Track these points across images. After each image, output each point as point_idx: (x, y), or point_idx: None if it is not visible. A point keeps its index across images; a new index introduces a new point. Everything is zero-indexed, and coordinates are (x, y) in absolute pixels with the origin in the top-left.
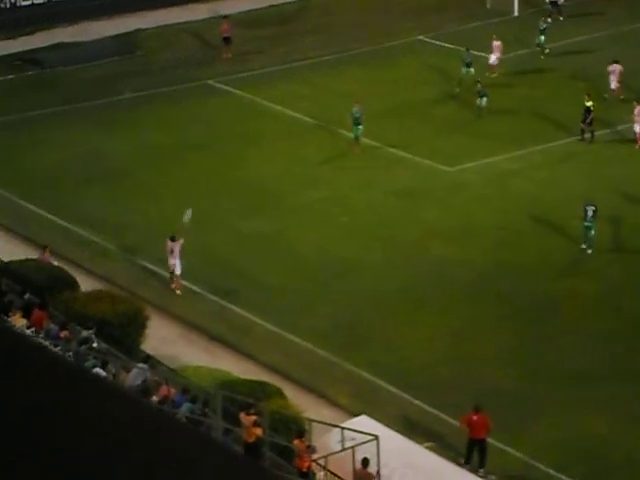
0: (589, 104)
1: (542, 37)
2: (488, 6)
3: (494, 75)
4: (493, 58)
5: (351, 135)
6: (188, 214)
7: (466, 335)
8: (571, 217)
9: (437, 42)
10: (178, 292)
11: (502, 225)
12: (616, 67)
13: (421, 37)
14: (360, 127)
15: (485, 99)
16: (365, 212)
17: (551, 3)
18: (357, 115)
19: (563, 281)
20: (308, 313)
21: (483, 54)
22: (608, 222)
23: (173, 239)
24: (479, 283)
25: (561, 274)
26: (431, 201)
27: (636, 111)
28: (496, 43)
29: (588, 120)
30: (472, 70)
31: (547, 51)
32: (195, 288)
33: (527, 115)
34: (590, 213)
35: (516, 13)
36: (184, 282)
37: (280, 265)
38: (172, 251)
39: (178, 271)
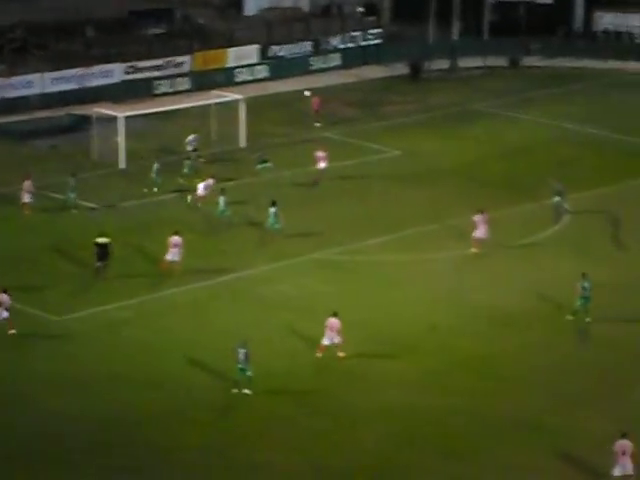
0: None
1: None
2: (95, 158)
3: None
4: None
5: None
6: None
7: None
8: (182, 363)
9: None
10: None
11: (114, 374)
12: None
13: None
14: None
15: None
16: None
17: (193, 151)
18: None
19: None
20: None
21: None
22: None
23: None
24: (97, 435)
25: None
26: (40, 351)
27: None
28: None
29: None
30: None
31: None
32: None
33: (141, 263)
34: (242, 356)
35: (123, 165)
36: None
37: None
38: None
39: None
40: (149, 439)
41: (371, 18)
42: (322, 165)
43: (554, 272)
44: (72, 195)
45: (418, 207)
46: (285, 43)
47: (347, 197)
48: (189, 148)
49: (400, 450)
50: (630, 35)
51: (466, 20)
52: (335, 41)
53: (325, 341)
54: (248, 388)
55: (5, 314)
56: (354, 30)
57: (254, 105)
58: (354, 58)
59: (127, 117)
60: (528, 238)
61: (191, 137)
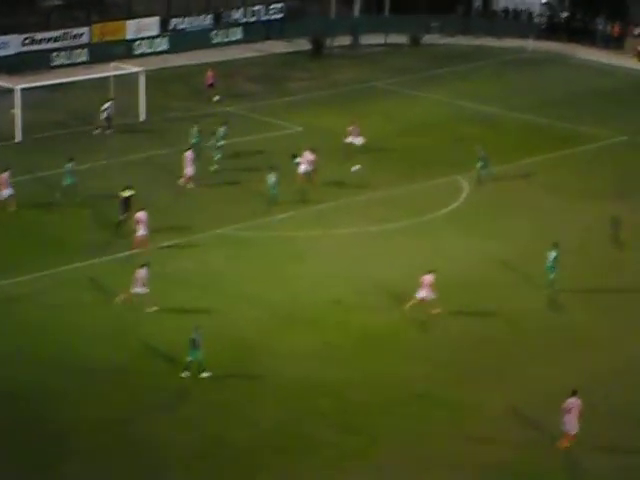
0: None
1: None
2: None
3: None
4: None
5: None
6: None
7: None
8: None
9: None
10: None
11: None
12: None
13: None
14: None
15: None
16: None
17: (106, 119)
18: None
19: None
20: None
21: None
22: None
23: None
24: None
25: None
26: None
27: None
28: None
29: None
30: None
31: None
32: None
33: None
34: (191, 341)
35: (19, 138)
36: None
37: None
38: None
39: None
40: (47, 415)
41: None
42: (356, 140)
43: (454, 248)
44: (70, 180)
45: (321, 183)
46: (186, 16)
47: (249, 173)
48: (104, 116)
49: (299, 424)
50: (529, 14)
51: None
52: (237, 15)
53: (418, 295)
54: (204, 371)
55: (139, 289)
56: (256, 4)
57: (154, 78)
58: (256, 33)
59: (24, 89)
60: (429, 214)
61: (107, 104)
